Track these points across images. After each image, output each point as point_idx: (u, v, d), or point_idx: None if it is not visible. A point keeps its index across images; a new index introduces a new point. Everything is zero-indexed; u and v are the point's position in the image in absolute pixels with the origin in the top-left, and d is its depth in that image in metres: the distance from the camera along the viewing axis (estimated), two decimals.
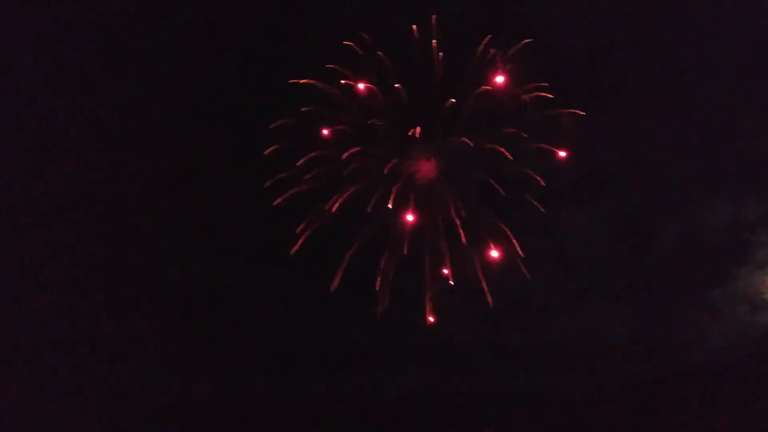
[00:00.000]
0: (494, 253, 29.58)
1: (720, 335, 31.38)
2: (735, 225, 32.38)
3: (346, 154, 29.29)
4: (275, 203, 29.76)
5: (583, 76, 31.59)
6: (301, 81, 29.24)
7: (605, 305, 31.66)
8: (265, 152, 29.26)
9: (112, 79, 32.48)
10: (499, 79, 29.22)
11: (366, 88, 29.57)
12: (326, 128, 29.66)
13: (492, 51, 29.43)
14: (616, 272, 31.90)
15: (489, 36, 29.11)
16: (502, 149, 29.13)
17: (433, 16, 28.98)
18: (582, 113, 29.24)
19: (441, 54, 28.88)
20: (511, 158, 28.60)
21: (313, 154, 29.66)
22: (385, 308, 30.06)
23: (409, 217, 29.81)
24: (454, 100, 28.80)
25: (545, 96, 29.23)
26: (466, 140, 29.44)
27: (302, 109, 29.04)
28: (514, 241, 29.60)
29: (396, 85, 29.14)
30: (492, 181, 29.30)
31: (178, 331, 33.17)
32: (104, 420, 32.43)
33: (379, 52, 29.24)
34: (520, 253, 29.59)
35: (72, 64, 32.15)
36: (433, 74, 29.47)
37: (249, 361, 33.58)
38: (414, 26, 28.89)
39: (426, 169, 30.84)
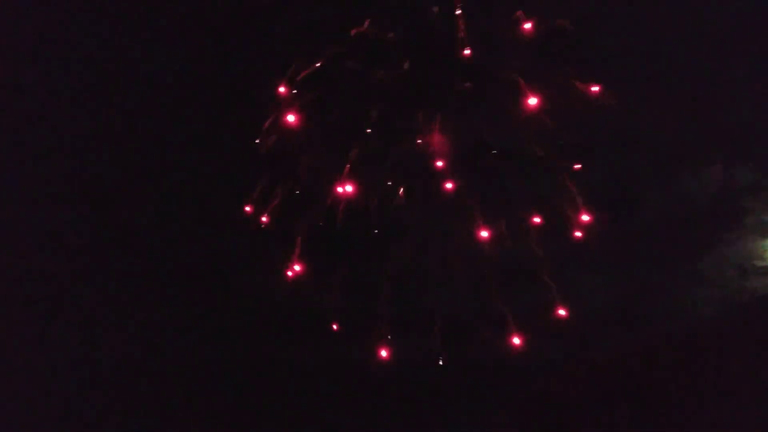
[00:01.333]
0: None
1: (708, 301, 31.18)
2: (724, 191, 32.33)
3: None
4: (262, 223, 29.98)
5: (569, 46, 31.56)
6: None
7: (590, 272, 31.48)
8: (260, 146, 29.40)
9: (109, 82, 32.86)
10: None
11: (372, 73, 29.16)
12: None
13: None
14: (602, 239, 31.60)
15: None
16: None
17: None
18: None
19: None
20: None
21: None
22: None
23: None
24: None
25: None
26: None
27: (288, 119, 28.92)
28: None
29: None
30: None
31: (165, 301, 33.28)
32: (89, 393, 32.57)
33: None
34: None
35: (72, 63, 32.74)
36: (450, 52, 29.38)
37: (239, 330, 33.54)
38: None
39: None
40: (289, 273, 30.39)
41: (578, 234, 30.08)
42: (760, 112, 32.39)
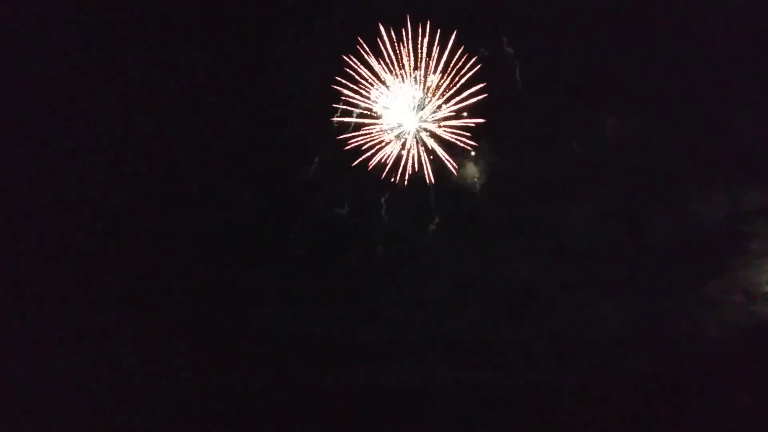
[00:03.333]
0: None
1: (716, 326, 31.53)
2: (731, 217, 32.50)
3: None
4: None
5: (579, 72, 31.88)
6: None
7: (602, 298, 31.95)
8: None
9: (121, 80, 32.34)
10: None
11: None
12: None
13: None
14: (613, 265, 32.17)
15: None
16: None
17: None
18: None
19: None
20: None
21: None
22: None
23: None
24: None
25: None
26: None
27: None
28: None
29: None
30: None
31: (181, 327, 33.56)
32: (106, 416, 32.66)
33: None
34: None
35: (77, 63, 31.99)
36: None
37: (251, 356, 33.76)
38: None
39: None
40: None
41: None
42: (766, 138, 32.65)
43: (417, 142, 30.26)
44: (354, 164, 29.49)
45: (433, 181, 29.93)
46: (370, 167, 29.80)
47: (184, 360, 33.31)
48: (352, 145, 29.52)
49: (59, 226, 32.76)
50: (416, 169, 29.86)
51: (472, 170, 29.89)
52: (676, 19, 31.44)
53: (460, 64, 29.02)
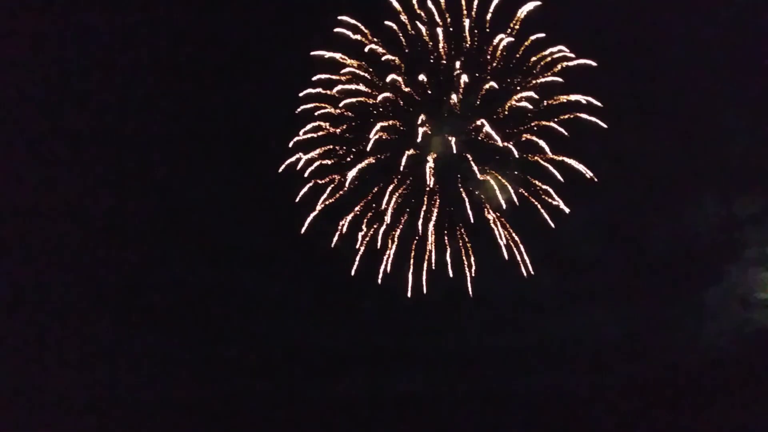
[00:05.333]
0: None
1: (713, 333, 31.53)
2: (726, 223, 32.69)
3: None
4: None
5: (575, 78, 31.79)
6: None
7: (598, 306, 31.94)
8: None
9: (114, 84, 32.98)
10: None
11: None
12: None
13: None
14: (609, 273, 32.21)
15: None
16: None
17: None
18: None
19: None
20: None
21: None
22: None
23: None
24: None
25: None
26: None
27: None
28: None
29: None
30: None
31: (177, 334, 33.48)
32: (100, 422, 32.49)
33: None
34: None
35: (77, 66, 32.75)
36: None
37: (249, 364, 33.83)
38: None
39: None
40: None
41: None
42: (760, 146, 32.80)
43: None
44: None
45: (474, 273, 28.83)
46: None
47: (188, 368, 33.51)
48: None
49: (55, 231, 33.12)
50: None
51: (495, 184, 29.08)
52: (669, 28, 31.69)
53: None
